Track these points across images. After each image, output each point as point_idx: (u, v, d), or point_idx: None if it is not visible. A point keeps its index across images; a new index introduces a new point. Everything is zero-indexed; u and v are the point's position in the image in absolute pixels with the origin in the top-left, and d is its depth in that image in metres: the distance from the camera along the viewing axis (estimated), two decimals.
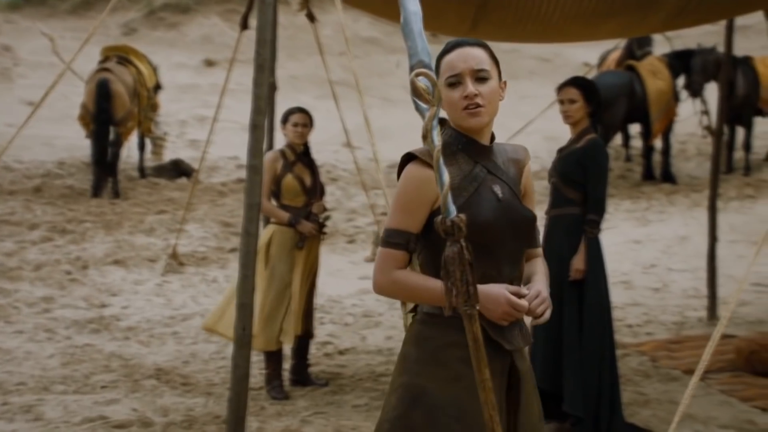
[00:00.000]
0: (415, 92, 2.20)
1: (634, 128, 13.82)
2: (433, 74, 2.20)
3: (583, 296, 4.97)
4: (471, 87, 2.52)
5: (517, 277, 2.59)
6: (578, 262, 4.94)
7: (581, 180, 5.00)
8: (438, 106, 2.21)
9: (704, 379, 5.80)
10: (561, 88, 5.19)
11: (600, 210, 4.99)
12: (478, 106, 2.52)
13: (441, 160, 2.21)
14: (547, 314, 2.55)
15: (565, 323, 4.97)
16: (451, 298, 2.21)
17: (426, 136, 2.22)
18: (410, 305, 2.67)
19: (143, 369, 6.41)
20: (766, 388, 5.60)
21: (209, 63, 18.22)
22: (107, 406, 5.62)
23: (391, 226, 2.54)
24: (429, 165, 2.45)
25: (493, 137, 2.64)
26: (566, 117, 5.10)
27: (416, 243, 2.56)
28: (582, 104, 5.06)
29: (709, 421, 5.15)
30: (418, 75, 2.20)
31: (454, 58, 2.54)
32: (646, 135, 13.10)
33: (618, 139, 14.18)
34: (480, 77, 2.54)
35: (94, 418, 5.37)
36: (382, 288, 2.56)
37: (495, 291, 2.46)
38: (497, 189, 2.57)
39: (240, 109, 13.33)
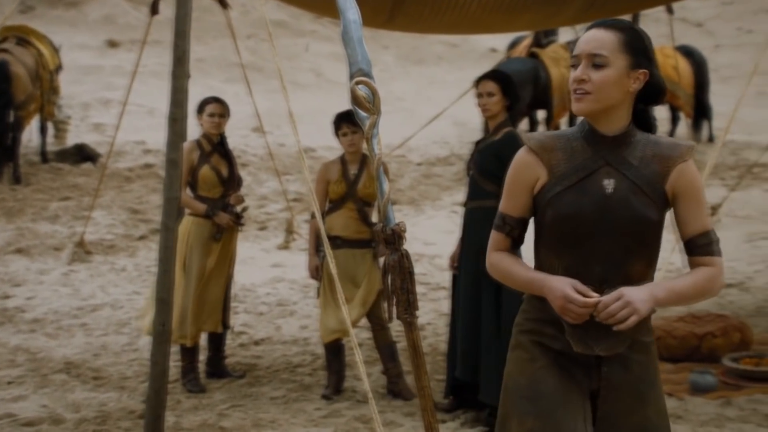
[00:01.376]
0: (355, 101, 2.20)
1: (542, 114, 14.08)
2: (373, 83, 2.20)
3: (501, 287, 5.03)
4: (581, 71, 2.42)
5: (617, 280, 2.41)
6: None
7: (499, 172, 5.04)
8: (378, 114, 2.20)
9: None
10: (479, 81, 5.25)
11: None
12: (585, 92, 2.41)
13: (381, 169, 2.21)
14: (630, 321, 2.35)
15: (483, 314, 5.05)
16: (391, 306, 2.22)
17: (366, 144, 2.21)
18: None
19: (52, 363, 6.25)
20: (671, 374, 5.79)
21: (112, 44, 17.74)
22: (14, 403, 5.47)
23: (499, 208, 2.59)
24: (533, 151, 2.47)
25: (649, 127, 2.51)
26: (484, 110, 5.16)
27: (519, 227, 2.55)
28: (500, 97, 5.13)
29: None
30: (358, 83, 2.19)
31: (581, 38, 2.46)
32: (549, 121, 13.36)
33: (525, 125, 14.42)
34: (596, 63, 2.41)
35: (1, 416, 5.22)
36: (488, 268, 2.64)
37: (556, 283, 2.40)
38: (609, 182, 2.42)
39: (145, 92, 13.06)
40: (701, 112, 14.32)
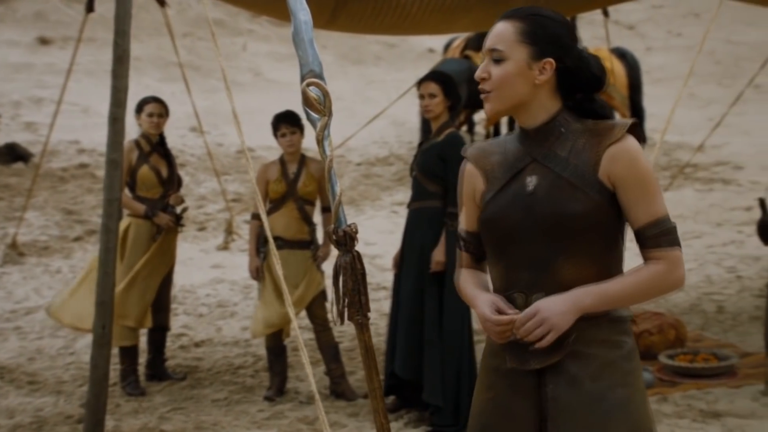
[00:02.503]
0: (307, 102, 2.19)
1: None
2: (324, 84, 2.19)
3: (444, 288, 5.07)
4: (480, 69, 2.23)
5: (547, 286, 2.17)
6: (438, 254, 5.04)
7: (442, 173, 5.09)
8: (329, 116, 2.20)
9: None
10: (421, 82, 5.28)
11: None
12: (487, 92, 2.22)
13: (332, 171, 2.21)
14: (547, 338, 2.11)
15: (426, 314, 5.07)
16: (342, 307, 2.22)
17: (317, 145, 2.21)
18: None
19: None
20: None
21: (44, 41, 17.38)
22: None
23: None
24: (469, 160, 2.37)
25: (596, 116, 2.27)
26: (427, 111, 5.19)
27: (474, 241, 2.36)
28: (442, 98, 5.16)
29: None
30: (309, 85, 2.19)
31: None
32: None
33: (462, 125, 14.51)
34: (494, 58, 2.22)
35: None
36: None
37: (478, 302, 2.23)
38: (531, 180, 2.22)
39: (78, 90, 12.82)
40: (635, 113, 14.57)
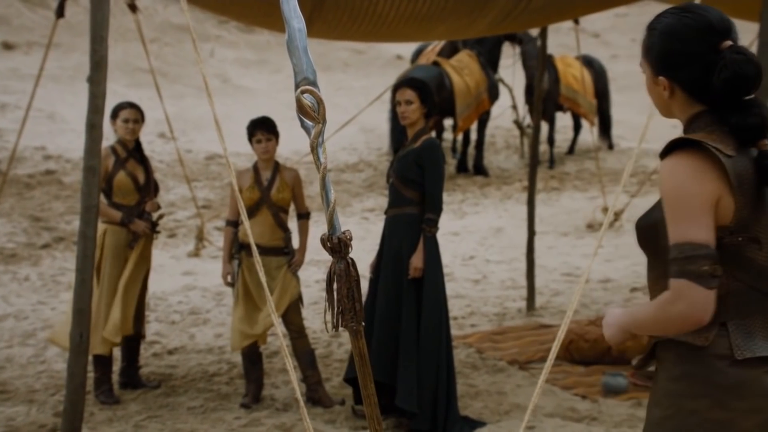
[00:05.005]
0: (301, 110, 2.20)
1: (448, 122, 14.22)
2: (318, 91, 2.20)
3: (421, 293, 5.08)
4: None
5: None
6: (417, 261, 5.05)
7: (419, 180, 5.11)
8: (323, 123, 2.21)
9: (528, 369, 6.10)
10: (397, 89, 5.30)
11: (437, 208, 5.12)
12: None
13: (327, 178, 2.22)
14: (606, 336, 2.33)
15: (403, 320, 5.08)
16: (336, 315, 2.22)
17: (312, 153, 2.22)
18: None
19: None
20: (584, 376, 5.94)
21: (7, 46, 17.18)
22: None
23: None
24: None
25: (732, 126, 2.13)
26: (403, 118, 5.20)
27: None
28: (418, 105, 5.18)
29: (535, 411, 5.40)
30: (303, 92, 2.19)
31: None
32: (455, 128, 13.51)
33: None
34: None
35: None
36: None
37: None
38: None
39: (44, 96, 12.67)
40: (602, 120, 14.72)
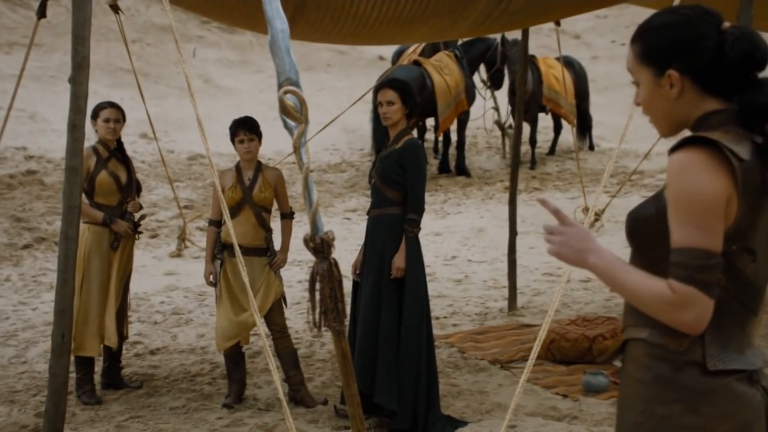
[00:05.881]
0: (284, 110, 2.21)
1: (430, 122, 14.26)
2: (301, 92, 2.22)
3: (403, 294, 5.10)
4: (634, 97, 2.25)
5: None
6: (399, 261, 5.07)
7: (401, 180, 5.13)
8: (306, 123, 2.22)
9: (509, 369, 6.14)
10: (379, 89, 5.31)
11: (419, 209, 5.14)
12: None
13: (310, 178, 2.23)
14: (547, 247, 2.17)
15: (383, 320, 5.09)
16: (319, 315, 2.24)
17: (294, 153, 2.23)
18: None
19: None
20: (565, 375, 5.98)
21: None
22: None
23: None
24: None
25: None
26: (385, 118, 5.22)
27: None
28: (400, 106, 5.20)
29: (517, 410, 5.43)
30: (286, 93, 2.21)
31: None
32: (436, 128, 13.55)
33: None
34: (634, 83, 2.24)
35: None
36: None
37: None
38: None
39: (25, 96, 12.62)
40: (582, 121, 14.79)
